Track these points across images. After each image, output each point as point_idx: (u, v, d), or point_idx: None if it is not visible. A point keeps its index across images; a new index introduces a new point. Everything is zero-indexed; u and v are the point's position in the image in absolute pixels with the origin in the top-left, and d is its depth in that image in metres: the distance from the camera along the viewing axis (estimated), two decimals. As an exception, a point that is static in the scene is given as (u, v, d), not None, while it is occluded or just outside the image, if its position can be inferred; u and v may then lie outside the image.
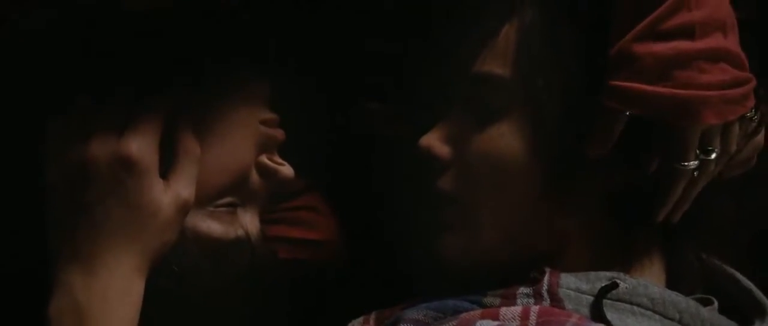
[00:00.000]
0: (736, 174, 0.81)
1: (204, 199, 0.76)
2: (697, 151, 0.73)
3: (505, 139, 0.76)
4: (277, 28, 0.85)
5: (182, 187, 0.72)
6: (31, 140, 0.72)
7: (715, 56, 0.71)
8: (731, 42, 0.72)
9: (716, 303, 0.79)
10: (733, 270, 0.83)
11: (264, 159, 0.80)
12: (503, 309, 0.71)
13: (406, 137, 0.84)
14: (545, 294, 0.72)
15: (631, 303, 0.73)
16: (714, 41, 0.71)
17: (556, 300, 0.72)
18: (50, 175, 0.71)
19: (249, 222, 0.80)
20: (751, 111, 0.75)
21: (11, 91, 0.74)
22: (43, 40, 0.73)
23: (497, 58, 0.77)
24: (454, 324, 0.69)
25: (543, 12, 0.76)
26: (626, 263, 0.76)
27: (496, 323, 0.69)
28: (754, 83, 0.73)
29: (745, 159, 0.80)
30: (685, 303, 0.74)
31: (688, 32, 0.70)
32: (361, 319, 0.82)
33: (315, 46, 0.88)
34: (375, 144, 0.94)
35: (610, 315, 0.71)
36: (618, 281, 0.73)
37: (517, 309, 0.70)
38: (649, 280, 0.75)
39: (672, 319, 0.74)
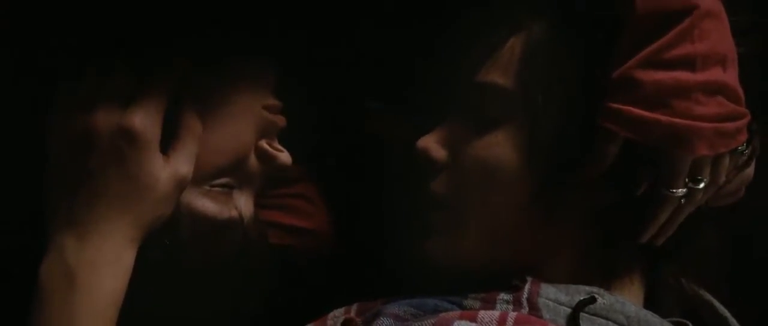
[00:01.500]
0: (723, 204, 0.82)
1: (201, 178, 0.76)
2: (687, 179, 0.74)
3: (500, 147, 0.77)
4: (286, 20, 0.85)
5: (181, 164, 0.73)
6: (36, 113, 0.73)
7: (713, 89, 0.72)
8: (730, 76, 0.73)
9: None
10: (710, 297, 0.84)
11: (263, 144, 0.81)
12: (482, 313, 0.71)
13: (404, 138, 0.85)
14: (524, 302, 0.73)
15: (607, 319, 0.74)
16: (713, 74, 0.72)
17: (534, 309, 0.73)
18: (53, 142, 0.72)
19: (243, 204, 0.80)
20: (743, 144, 0.76)
21: (20, 62, 0.75)
22: (54, 11, 0.74)
23: (500, 69, 0.78)
24: (433, 322, 0.70)
25: (550, 28, 0.77)
26: (606, 279, 0.77)
27: (474, 325, 0.70)
28: (748, 118, 0.74)
29: (733, 190, 0.81)
30: (660, 324, 0.75)
31: (689, 63, 0.71)
32: (342, 309, 0.83)
33: (322, 41, 0.88)
34: (373, 142, 0.95)
35: None
36: (596, 296, 0.74)
37: (495, 314, 0.71)
38: (627, 298, 0.76)
39: (645, 338, 0.75)
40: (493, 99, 0.78)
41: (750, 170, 0.81)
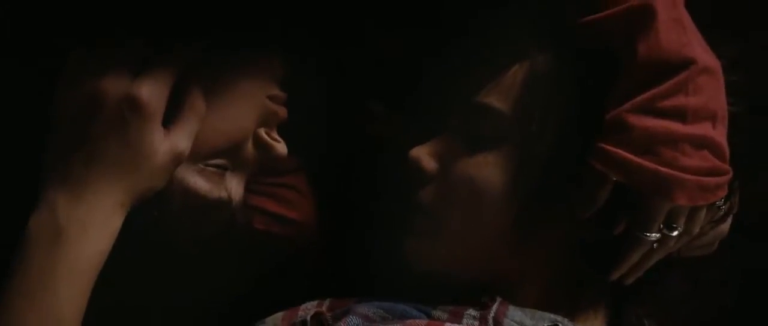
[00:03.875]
0: (695, 255, 0.84)
1: (198, 156, 0.77)
2: (662, 226, 0.75)
3: (489, 168, 0.79)
4: (299, 18, 0.87)
5: (180, 139, 0.74)
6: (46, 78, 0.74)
7: (700, 143, 0.74)
8: (718, 133, 0.75)
9: None
10: None
11: (262, 132, 0.82)
12: (447, 325, 0.73)
13: (400, 142, 0.86)
14: (491, 321, 0.75)
15: None
16: (702, 129, 0.74)
17: (498, 329, 0.75)
18: (60, 103, 0.73)
19: (234, 186, 0.82)
20: (722, 200, 0.78)
21: (34, 30, 0.76)
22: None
23: (500, 93, 0.80)
24: None
25: (553, 61, 0.79)
26: (572, 310, 0.79)
27: (439, 335, 0.71)
28: (730, 176, 0.76)
29: (707, 243, 0.83)
30: (616, 360, 0.78)
31: (680, 115, 0.73)
32: (315, 302, 0.84)
33: (331, 40, 0.89)
34: (369, 142, 0.96)
35: None
36: (559, 324, 0.75)
37: (460, 328, 0.72)
38: (589, 331, 0.78)
39: (600, 371, 0.76)
40: (489, 120, 0.79)
41: (725, 226, 0.83)
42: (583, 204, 0.75)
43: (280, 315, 0.84)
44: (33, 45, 0.76)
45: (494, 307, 0.76)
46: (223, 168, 0.81)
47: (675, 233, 0.76)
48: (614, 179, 0.73)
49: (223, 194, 0.80)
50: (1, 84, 0.76)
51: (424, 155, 0.83)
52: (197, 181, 0.79)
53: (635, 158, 0.72)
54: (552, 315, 0.76)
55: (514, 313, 0.76)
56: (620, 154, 0.73)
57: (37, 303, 0.69)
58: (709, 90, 0.74)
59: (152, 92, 0.73)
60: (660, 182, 0.73)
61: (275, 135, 0.83)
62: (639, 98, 0.73)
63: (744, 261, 1.04)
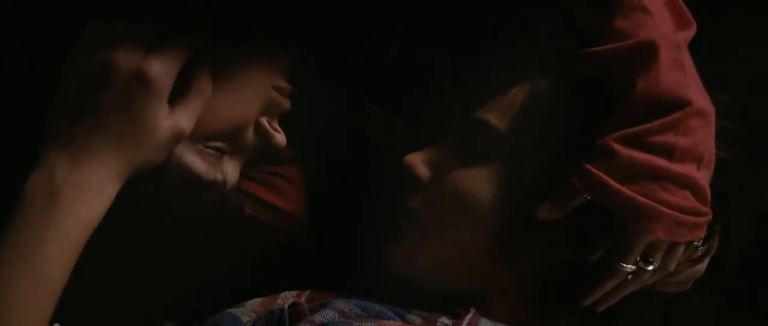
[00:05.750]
0: (669, 291, 0.85)
1: (198, 136, 0.79)
2: (638, 258, 0.77)
3: (480, 183, 0.80)
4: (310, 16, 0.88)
5: (183, 119, 0.76)
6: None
7: (683, 183, 0.75)
8: (702, 176, 0.76)
9: None
10: None
11: (264, 121, 0.83)
12: (420, 329, 0.75)
13: (395, 148, 0.87)
14: (462, 331, 0.76)
15: None
16: (687, 169, 0.75)
17: (469, 339, 0.76)
18: (72, 70, 0.75)
19: (230, 170, 0.83)
20: (700, 240, 0.80)
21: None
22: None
23: (499, 111, 0.81)
24: (373, 325, 0.73)
25: (554, 86, 0.80)
26: None
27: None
28: (709, 218, 0.77)
29: (682, 281, 0.85)
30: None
31: (668, 152, 0.74)
32: (295, 292, 0.86)
33: (338, 41, 0.90)
34: (366, 142, 0.97)
35: None
36: None
37: (432, 334, 0.73)
38: (555, 351, 0.79)
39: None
40: (485, 136, 0.81)
41: (702, 266, 0.85)
42: (548, 207, 0.76)
43: (258, 300, 0.86)
44: (52, 12, 0.78)
45: (467, 318, 0.77)
46: (221, 152, 0.82)
47: (651, 267, 0.77)
48: (586, 196, 0.75)
49: (219, 176, 0.82)
50: (18, 45, 0.78)
51: (418, 162, 0.84)
52: (195, 161, 0.80)
53: (616, 184, 0.74)
54: None
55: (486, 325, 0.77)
56: (601, 177, 0.74)
57: (26, 259, 0.70)
58: (700, 133, 0.76)
59: (162, 70, 0.74)
60: (638, 211, 0.74)
61: (276, 125, 0.84)
62: (631, 130, 0.74)
63: (719, 299, 1.05)
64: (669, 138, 0.74)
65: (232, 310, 0.84)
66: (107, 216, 0.74)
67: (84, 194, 0.73)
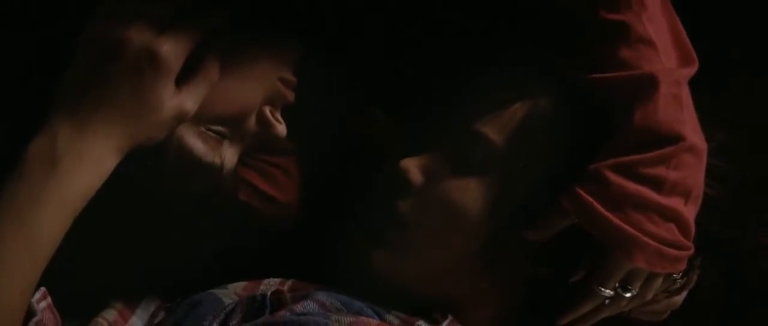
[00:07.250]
0: (645, 319, 0.86)
1: (201, 119, 0.79)
2: (617, 285, 0.78)
3: (471, 194, 0.81)
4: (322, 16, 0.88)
5: (187, 100, 0.76)
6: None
7: (669, 216, 0.76)
8: (689, 211, 0.78)
9: None
10: None
11: (267, 110, 0.84)
12: (397, 330, 0.76)
13: (392, 152, 0.88)
14: (438, 336, 0.77)
15: None
16: (674, 202, 0.76)
17: (444, 346, 0.77)
18: (85, 41, 0.75)
19: (229, 155, 0.83)
20: (680, 273, 0.81)
21: None
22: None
23: (497, 125, 0.82)
24: (352, 321, 0.73)
25: (554, 106, 0.81)
26: None
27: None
28: (691, 252, 0.78)
29: (658, 311, 0.86)
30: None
31: (657, 185, 0.76)
32: (278, 280, 0.86)
33: (343, 41, 0.91)
34: (363, 145, 0.97)
35: None
36: None
37: (408, 336, 0.74)
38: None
39: None
40: (481, 149, 0.82)
41: (679, 298, 0.86)
42: (535, 229, 0.77)
43: (241, 284, 0.87)
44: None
45: (444, 324, 0.78)
46: (222, 136, 0.83)
47: (628, 294, 0.79)
48: (573, 220, 0.76)
49: (217, 160, 0.82)
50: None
51: (413, 167, 0.85)
52: (195, 143, 0.81)
53: (604, 211, 0.75)
54: None
55: (462, 333, 0.78)
56: (590, 202, 0.75)
57: (20, 220, 0.71)
58: (691, 168, 0.77)
59: (172, 50, 0.75)
60: (622, 239, 0.75)
61: (278, 116, 0.85)
62: (624, 159, 0.76)
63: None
64: (660, 171, 0.76)
65: (215, 291, 0.85)
66: (102, 187, 0.75)
67: (84, 163, 0.73)
